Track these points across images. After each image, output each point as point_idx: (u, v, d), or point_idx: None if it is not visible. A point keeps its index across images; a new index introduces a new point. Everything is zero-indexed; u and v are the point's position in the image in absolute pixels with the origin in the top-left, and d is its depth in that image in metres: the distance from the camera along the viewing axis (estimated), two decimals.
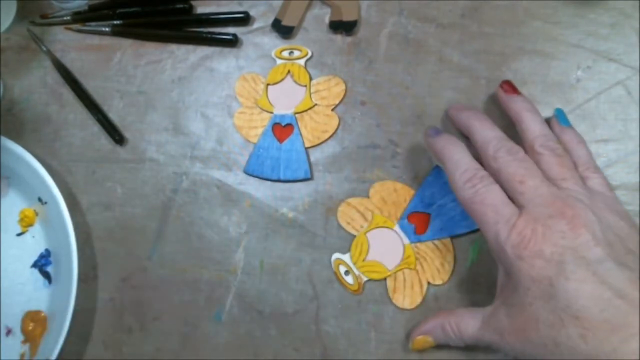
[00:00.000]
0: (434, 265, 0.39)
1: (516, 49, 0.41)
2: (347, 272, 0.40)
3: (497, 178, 0.34)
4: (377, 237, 0.40)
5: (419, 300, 0.39)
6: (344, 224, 0.41)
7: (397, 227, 0.40)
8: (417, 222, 0.39)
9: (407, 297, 0.39)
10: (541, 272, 0.29)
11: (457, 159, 0.35)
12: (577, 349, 0.28)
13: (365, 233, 0.40)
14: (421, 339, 0.36)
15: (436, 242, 0.39)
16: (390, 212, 0.40)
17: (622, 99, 0.40)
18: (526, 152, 0.34)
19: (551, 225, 0.30)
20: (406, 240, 0.39)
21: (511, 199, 0.33)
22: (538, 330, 0.29)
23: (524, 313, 0.30)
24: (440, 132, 0.37)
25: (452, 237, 0.39)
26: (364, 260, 0.40)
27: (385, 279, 0.39)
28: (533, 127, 0.36)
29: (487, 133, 0.35)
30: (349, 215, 0.41)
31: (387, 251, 0.39)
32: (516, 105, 0.37)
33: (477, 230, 0.38)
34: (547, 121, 0.37)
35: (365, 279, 0.39)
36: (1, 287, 0.44)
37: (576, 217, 0.30)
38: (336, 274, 0.40)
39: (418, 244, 0.39)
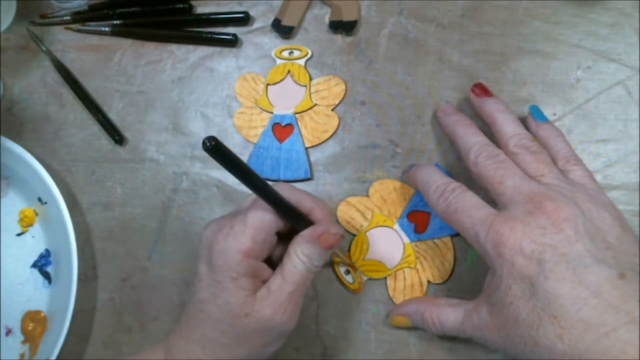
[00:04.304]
0: (434, 264, 0.39)
1: (516, 49, 0.41)
2: (347, 272, 0.40)
3: (480, 183, 0.35)
4: (377, 236, 0.40)
5: (419, 294, 0.39)
6: (343, 223, 0.41)
7: (397, 226, 0.40)
8: (417, 221, 0.40)
9: (407, 296, 0.39)
10: (522, 270, 0.30)
11: (427, 180, 0.36)
12: (554, 348, 0.28)
13: (365, 232, 0.40)
14: (400, 319, 0.37)
15: (436, 241, 0.39)
16: (390, 211, 0.40)
17: (622, 99, 0.40)
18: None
19: (530, 222, 0.30)
20: (406, 239, 0.39)
21: (495, 201, 0.33)
22: (517, 329, 0.30)
23: (504, 311, 0.30)
24: (413, 165, 0.40)
25: (452, 237, 0.39)
26: (364, 259, 0.40)
27: (385, 278, 0.39)
28: (506, 128, 0.36)
29: (469, 139, 0.36)
30: (348, 215, 0.41)
31: (387, 250, 0.39)
32: (488, 108, 0.37)
33: None
34: (524, 120, 0.38)
35: (365, 278, 0.39)
36: (1, 287, 0.45)
37: (557, 211, 0.30)
38: (336, 273, 0.40)
39: (418, 243, 0.39)
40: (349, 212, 0.41)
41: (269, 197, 0.31)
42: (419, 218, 0.40)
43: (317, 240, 0.32)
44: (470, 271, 0.39)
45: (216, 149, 0.27)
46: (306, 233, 0.32)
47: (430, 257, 0.39)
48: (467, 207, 0.33)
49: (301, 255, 0.32)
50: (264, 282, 0.33)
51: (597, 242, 0.30)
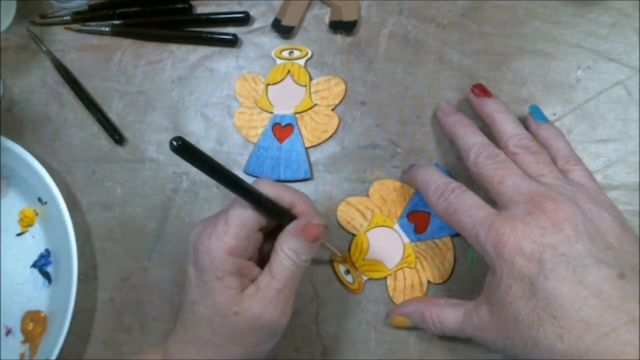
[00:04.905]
0: (434, 264, 0.39)
1: (516, 49, 0.41)
2: (347, 272, 0.40)
3: (480, 183, 0.35)
4: (377, 236, 0.40)
5: (419, 294, 0.39)
6: (343, 223, 0.41)
7: (397, 226, 0.40)
8: (417, 221, 0.40)
9: (407, 296, 0.39)
10: (522, 270, 0.30)
11: (427, 180, 0.36)
12: (553, 348, 0.28)
13: (365, 232, 0.40)
14: (400, 319, 0.37)
15: (436, 240, 0.39)
16: (390, 211, 0.40)
17: (622, 99, 0.40)
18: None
19: (530, 222, 0.30)
20: (406, 239, 0.39)
21: (495, 201, 0.33)
22: (517, 329, 0.30)
23: (504, 311, 0.30)
24: (413, 165, 0.40)
25: (452, 237, 0.39)
26: (364, 259, 0.40)
27: (385, 278, 0.39)
28: (506, 128, 0.36)
29: (469, 139, 0.36)
30: (348, 215, 0.41)
31: (387, 250, 0.39)
32: (488, 108, 0.37)
33: None
34: (524, 120, 0.38)
35: (365, 278, 0.39)
36: (1, 287, 0.45)
37: (557, 211, 0.30)
38: (336, 273, 0.40)
39: (418, 243, 0.39)
40: (349, 212, 0.41)
41: (247, 194, 0.31)
42: (419, 218, 0.40)
43: (301, 233, 0.32)
44: (470, 271, 0.39)
45: (184, 149, 0.27)
46: (290, 227, 0.32)
47: (430, 257, 0.39)
48: (467, 207, 0.33)
49: (287, 250, 0.32)
50: (253, 281, 0.33)
51: (597, 242, 0.30)
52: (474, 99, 0.39)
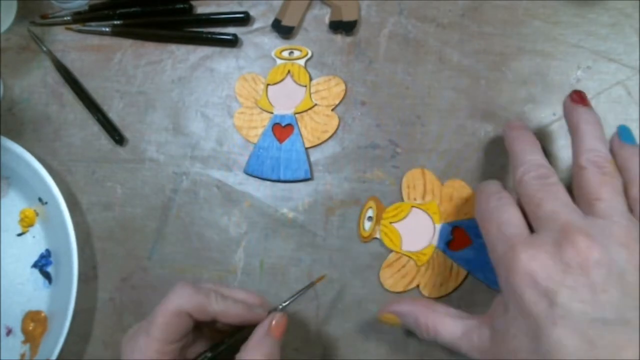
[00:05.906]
0: (435, 280, 0.38)
1: (516, 49, 0.41)
2: (370, 218, 0.39)
3: (522, 204, 0.32)
4: (418, 218, 0.39)
5: (399, 289, 0.38)
6: (405, 186, 0.40)
7: (439, 225, 0.39)
8: (458, 238, 0.38)
9: (392, 280, 0.38)
10: (530, 306, 0.27)
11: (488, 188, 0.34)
12: None
13: (412, 206, 0.39)
14: (390, 317, 0.35)
15: (454, 265, 0.38)
16: (447, 211, 0.39)
17: (622, 99, 0.40)
18: (573, 169, 0.32)
19: (555, 254, 0.27)
20: (435, 242, 0.39)
21: (532, 226, 0.30)
22: None
23: (506, 343, 0.28)
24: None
25: (469, 275, 0.38)
26: (390, 223, 0.39)
27: (391, 251, 0.39)
28: (586, 140, 0.32)
29: (523, 157, 0.33)
30: (416, 183, 0.40)
31: (414, 234, 0.39)
32: (577, 116, 0.33)
33: (495, 289, 0.37)
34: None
35: (378, 235, 0.39)
36: (1, 287, 0.45)
37: (590, 250, 0.27)
38: (361, 213, 0.40)
39: (440, 253, 0.38)
40: (418, 182, 0.40)
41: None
42: (461, 238, 0.38)
43: (267, 337, 0.32)
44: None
45: None
46: (255, 339, 0.32)
47: (438, 272, 0.38)
48: (501, 220, 0.31)
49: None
50: None
51: (628, 300, 0.26)
52: (569, 103, 0.34)
